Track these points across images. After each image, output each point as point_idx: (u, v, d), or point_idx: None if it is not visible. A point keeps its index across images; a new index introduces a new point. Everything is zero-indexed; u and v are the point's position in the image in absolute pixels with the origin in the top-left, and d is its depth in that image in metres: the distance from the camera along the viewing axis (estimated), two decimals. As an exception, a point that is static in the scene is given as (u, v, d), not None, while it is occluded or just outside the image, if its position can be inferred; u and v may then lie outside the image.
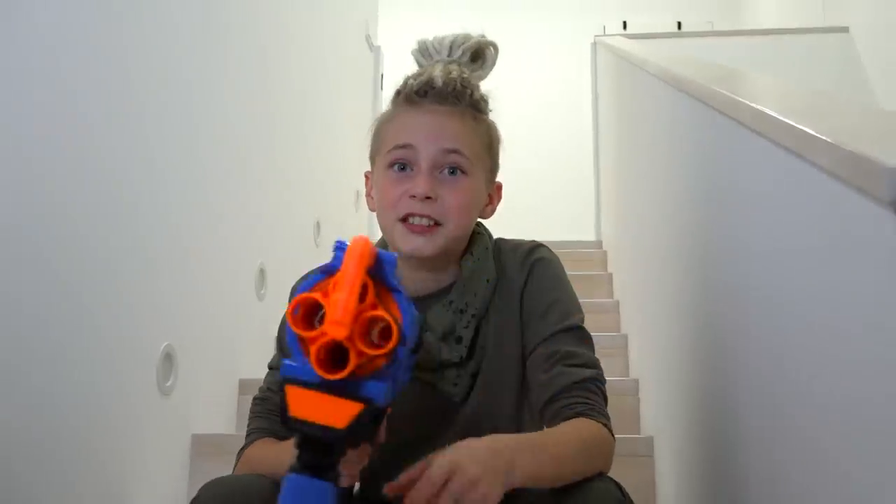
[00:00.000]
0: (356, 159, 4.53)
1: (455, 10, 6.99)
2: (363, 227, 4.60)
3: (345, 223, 4.19)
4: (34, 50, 1.57)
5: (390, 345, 0.72)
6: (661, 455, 2.14)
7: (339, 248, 0.75)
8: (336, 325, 0.68)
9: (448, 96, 1.21)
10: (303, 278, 1.09)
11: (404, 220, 1.18)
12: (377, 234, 4.46)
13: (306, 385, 0.72)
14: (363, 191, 4.69)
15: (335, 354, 0.72)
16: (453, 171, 1.19)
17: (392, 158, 1.20)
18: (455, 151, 1.19)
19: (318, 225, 3.60)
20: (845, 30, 4.45)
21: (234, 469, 1.24)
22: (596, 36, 4.99)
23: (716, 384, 1.47)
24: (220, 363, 2.50)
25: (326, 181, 3.85)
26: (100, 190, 1.80)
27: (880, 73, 4.06)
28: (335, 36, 4.14)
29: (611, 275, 3.64)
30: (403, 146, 1.19)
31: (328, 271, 0.75)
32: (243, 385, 2.59)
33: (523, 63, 5.89)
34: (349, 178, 4.36)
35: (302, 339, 0.72)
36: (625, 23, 7.02)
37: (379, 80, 5.05)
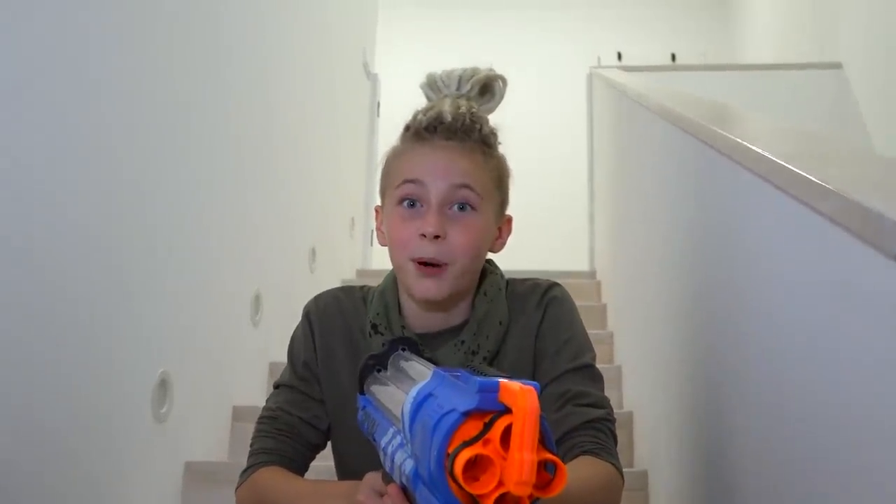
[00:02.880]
0: (351, 186, 4.58)
1: (451, 39, 7.06)
2: (357, 254, 4.61)
3: (339, 250, 4.20)
4: (34, 70, 1.58)
5: (559, 485, 0.72)
6: (656, 490, 2.14)
7: (485, 389, 0.73)
8: (524, 486, 0.69)
9: (457, 132, 1.20)
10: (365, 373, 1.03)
11: (415, 260, 1.18)
12: (372, 261, 4.41)
13: None
14: (358, 218, 4.66)
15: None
16: (462, 207, 1.19)
17: (401, 194, 1.20)
18: (465, 186, 1.18)
19: (313, 252, 3.60)
20: (839, 66, 4.49)
21: (236, 489, 1.24)
22: (591, 67, 5.03)
23: (712, 419, 1.47)
24: (214, 390, 2.49)
25: (322, 208, 3.86)
26: (96, 217, 1.80)
27: (873, 109, 4.09)
28: (333, 63, 4.16)
29: (605, 305, 3.65)
30: (412, 181, 1.19)
31: (470, 413, 0.73)
32: (237, 412, 2.59)
33: (518, 93, 5.92)
34: (344, 205, 4.38)
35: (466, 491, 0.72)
36: (619, 53, 7.08)
37: (375, 108, 5.07)
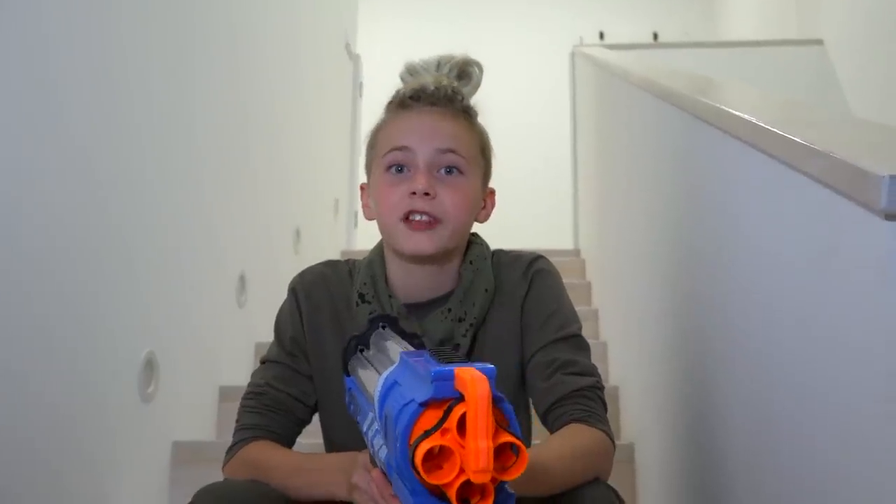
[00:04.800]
0: (335, 167, 4.57)
1: (433, 20, 7.03)
2: (341, 235, 4.60)
3: (324, 231, 4.19)
4: (22, 59, 1.57)
5: (521, 467, 0.73)
6: (643, 462, 2.16)
7: (440, 378, 0.73)
8: (482, 473, 0.69)
9: (441, 99, 1.23)
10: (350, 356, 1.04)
11: (406, 218, 1.18)
12: (356, 242, 4.40)
13: None
14: (342, 199, 4.65)
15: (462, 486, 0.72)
16: (450, 170, 1.20)
17: (388, 162, 1.21)
18: (451, 150, 1.20)
19: (297, 232, 3.60)
20: (819, 42, 4.50)
21: (224, 465, 1.23)
22: (574, 46, 5.02)
23: (697, 391, 1.48)
24: (201, 370, 2.49)
25: (306, 189, 3.85)
26: (82, 199, 1.79)
27: (853, 85, 4.11)
28: (315, 44, 4.13)
29: (589, 283, 3.66)
30: (400, 148, 1.20)
31: (428, 403, 0.73)
32: (224, 392, 2.58)
33: (501, 73, 5.91)
34: (328, 185, 4.37)
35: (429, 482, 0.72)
36: (601, 33, 7.06)
37: (358, 88, 5.05)
